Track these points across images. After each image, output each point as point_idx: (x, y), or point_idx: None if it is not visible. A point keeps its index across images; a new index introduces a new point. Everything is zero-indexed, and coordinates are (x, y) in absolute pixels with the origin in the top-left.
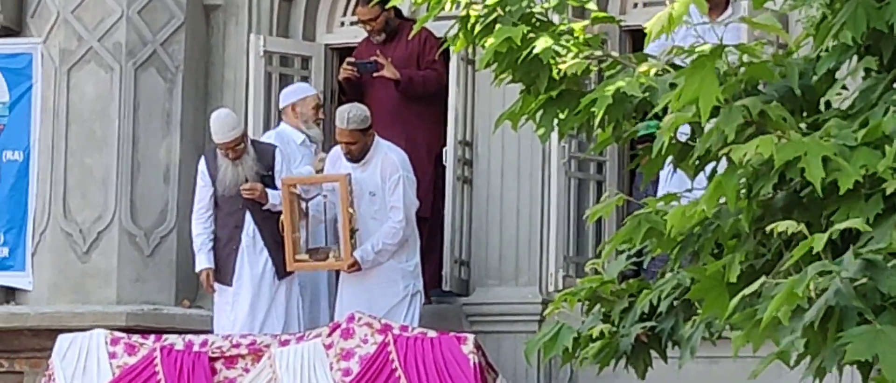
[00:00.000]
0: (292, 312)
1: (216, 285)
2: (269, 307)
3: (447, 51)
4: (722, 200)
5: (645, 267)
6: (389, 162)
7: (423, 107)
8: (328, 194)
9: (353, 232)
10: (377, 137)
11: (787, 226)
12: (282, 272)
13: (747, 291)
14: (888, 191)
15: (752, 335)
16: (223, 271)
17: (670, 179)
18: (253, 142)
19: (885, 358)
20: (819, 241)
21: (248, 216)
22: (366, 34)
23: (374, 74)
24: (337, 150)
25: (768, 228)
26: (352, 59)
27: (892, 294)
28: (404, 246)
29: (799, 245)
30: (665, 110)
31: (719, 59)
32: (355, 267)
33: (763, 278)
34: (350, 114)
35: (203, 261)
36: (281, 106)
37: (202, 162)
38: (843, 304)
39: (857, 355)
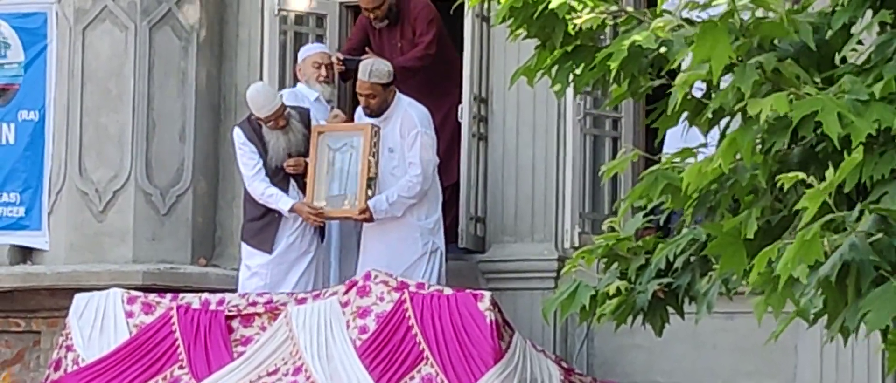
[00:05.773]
0: (321, 272)
1: (247, 249)
2: (305, 269)
3: (435, 19)
4: (738, 156)
5: (661, 223)
6: (409, 118)
7: (437, 79)
8: (354, 144)
9: (370, 180)
10: (399, 94)
11: (794, 176)
12: (323, 234)
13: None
14: None
15: (772, 297)
16: (262, 237)
17: (684, 136)
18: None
19: None
20: (826, 189)
21: (292, 184)
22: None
23: None
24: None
25: (778, 181)
26: (341, 56)
27: None
28: (424, 203)
29: (809, 193)
30: (681, 66)
31: (732, 18)
32: (366, 213)
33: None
34: (373, 67)
35: (287, 201)
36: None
37: (239, 133)
38: (860, 259)
39: (878, 323)
